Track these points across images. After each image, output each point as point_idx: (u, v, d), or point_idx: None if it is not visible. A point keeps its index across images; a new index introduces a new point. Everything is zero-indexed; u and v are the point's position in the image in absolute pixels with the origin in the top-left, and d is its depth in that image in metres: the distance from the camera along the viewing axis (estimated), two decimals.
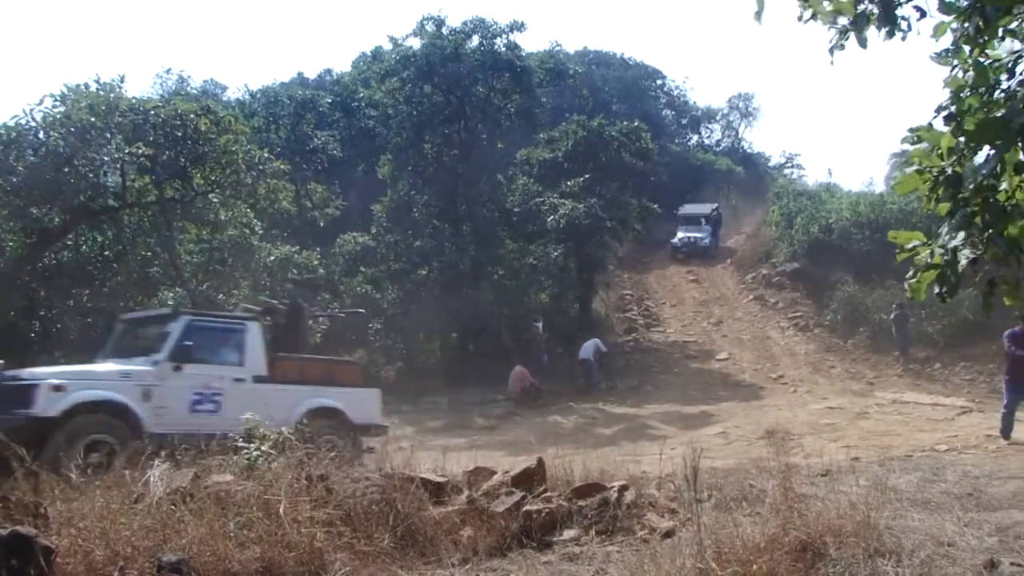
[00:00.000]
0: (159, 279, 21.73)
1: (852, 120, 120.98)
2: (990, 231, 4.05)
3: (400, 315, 29.68)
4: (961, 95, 4.26)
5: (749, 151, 68.99)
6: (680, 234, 43.03)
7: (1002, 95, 4.19)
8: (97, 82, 20.89)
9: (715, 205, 47.15)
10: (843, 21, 4.81)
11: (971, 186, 4.10)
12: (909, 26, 4.62)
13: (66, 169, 19.02)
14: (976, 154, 4.02)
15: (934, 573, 5.54)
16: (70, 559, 5.66)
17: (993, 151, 3.94)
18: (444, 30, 31.40)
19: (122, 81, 21.35)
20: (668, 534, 6.92)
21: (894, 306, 26.06)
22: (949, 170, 4.13)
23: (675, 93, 67.65)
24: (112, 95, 20.43)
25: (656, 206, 35.03)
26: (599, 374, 26.72)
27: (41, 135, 19.73)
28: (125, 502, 6.53)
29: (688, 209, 45.54)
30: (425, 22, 31.60)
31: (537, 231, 30.97)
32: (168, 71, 54.38)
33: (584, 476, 8.46)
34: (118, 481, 7.03)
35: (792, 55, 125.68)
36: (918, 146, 4.32)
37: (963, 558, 5.73)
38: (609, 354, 27.75)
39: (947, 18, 4.32)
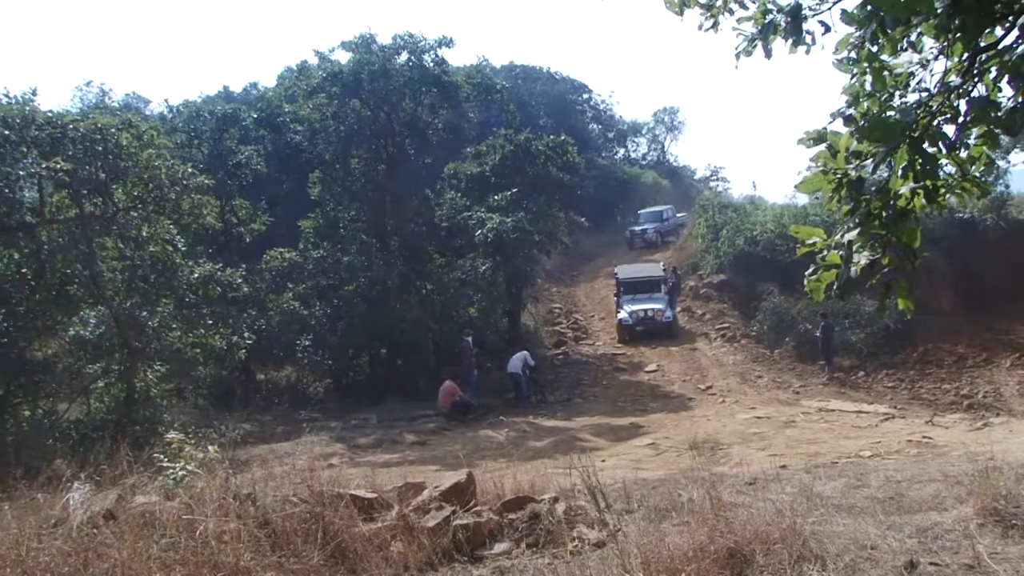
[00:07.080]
0: (80, 297, 21.12)
1: (776, 134, 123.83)
2: (888, 235, 4.15)
3: (328, 331, 29.41)
4: (859, 99, 4.38)
5: (675, 164, 70.29)
6: (629, 307, 33.59)
7: (900, 104, 4.32)
8: (6, 95, 20.39)
9: (669, 265, 37.57)
10: (750, 29, 4.93)
11: (873, 189, 4.20)
12: (813, 39, 4.77)
13: None
14: (877, 158, 4.11)
15: None
16: None
17: (883, 150, 4.04)
18: (373, 47, 31.32)
19: (34, 94, 20.80)
20: (598, 545, 6.94)
21: (819, 316, 26.60)
22: (852, 173, 4.22)
23: (601, 107, 68.58)
24: (27, 108, 19.89)
25: (584, 219, 35.15)
26: (529, 387, 26.74)
27: None
28: (43, 527, 6.35)
29: (633, 272, 35.53)
30: (355, 40, 31.48)
31: (465, 245, 30.96)
32: (88, 84, 53.66)
33: (515, 489, 8.45)
34: (33, 505, 6.83)
35: (717, 70, 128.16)
36: (817, 148, 4.41)
37: (885, 560, 5.87)
38: (538, 367, 27.82)
39: (850, 30, 4.44)
